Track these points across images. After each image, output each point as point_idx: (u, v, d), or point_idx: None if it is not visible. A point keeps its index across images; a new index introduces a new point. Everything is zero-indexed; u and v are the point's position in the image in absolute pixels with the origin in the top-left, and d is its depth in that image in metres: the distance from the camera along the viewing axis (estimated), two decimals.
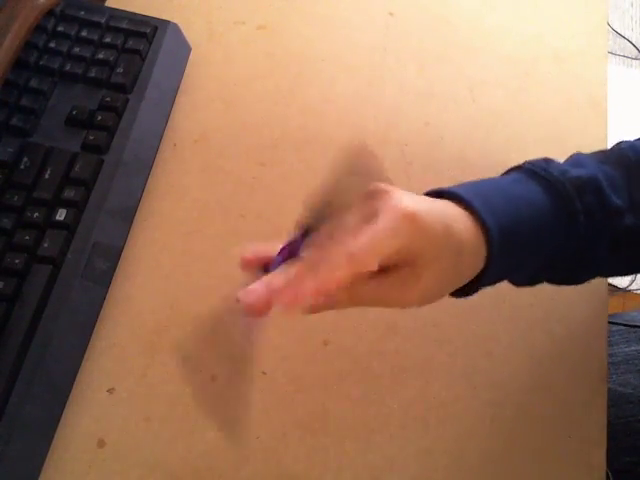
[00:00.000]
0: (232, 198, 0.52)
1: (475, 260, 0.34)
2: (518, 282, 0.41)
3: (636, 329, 0.67)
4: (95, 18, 0.53)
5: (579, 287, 0.50)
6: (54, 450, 0.43)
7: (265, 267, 0.33)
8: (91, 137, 0.49)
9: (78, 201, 0.47)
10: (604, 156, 0.40)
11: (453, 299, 0.49)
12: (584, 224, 0.37)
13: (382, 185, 0.33)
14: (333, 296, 0.33)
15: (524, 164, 0.39)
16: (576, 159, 0.40)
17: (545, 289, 0.50)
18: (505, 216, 0.35)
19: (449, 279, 0.34)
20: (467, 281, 0.35)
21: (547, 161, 0.39)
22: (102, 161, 0.49)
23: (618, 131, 0.60)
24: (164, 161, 0.53)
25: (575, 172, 0.37)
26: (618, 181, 0.38)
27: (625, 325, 0.69)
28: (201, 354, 0.34)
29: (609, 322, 0.49)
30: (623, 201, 0.38)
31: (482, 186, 0.37)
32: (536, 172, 0.38)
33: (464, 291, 0.37)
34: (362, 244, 0.30)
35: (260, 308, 0.30)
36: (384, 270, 0.33)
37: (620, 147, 0.42)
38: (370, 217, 0.32)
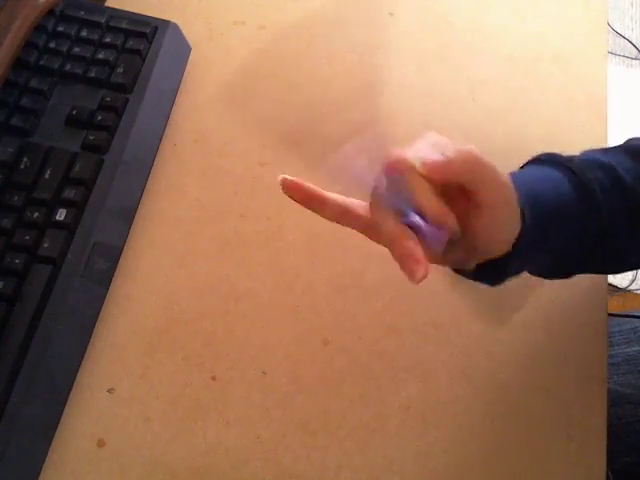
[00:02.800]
0: (232, 198, 0.52)
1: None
2: (547, 269, 0.43)
3: (636, 330, 0.67)
4: (95, 18, 0.53)
5: (579, 287, 0.50)
6: (54, 450, 0.43)
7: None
8: (91, 137, 0.49)
9: (78, 201, 0.47)
10: (613, 148, 0.43)
11: (452, 300, 0.49)
12: (600, 198, 0.39)
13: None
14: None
15: (534, 158, 0.43)
16: (585, 152, 0.43)
17: (545, 290, 0.50)
18: (531, 190, 0.38)
19: (506, 220, 0.36)
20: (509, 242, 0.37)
21: (554, 153, 0.42)
22: (102, 161, 0.49)
23: (618, 131, 0.60)
24: (164, 161, 0.53)
25: (582, 156, 0.41)
26: (628, 164, 0.40)
27: (626, 316, 0.69)
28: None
29: (610, 314, 0.50)
30: (635, 181, 0.40)
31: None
32: (547, 160, 0.41)
33: (496, 271, 0.38)
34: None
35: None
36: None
37: (630, 141, 0.44)
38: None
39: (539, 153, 0.43)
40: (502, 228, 0.36)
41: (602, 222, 0.39)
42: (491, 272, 0.39)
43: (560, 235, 0.39)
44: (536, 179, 0.40)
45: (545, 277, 0.44)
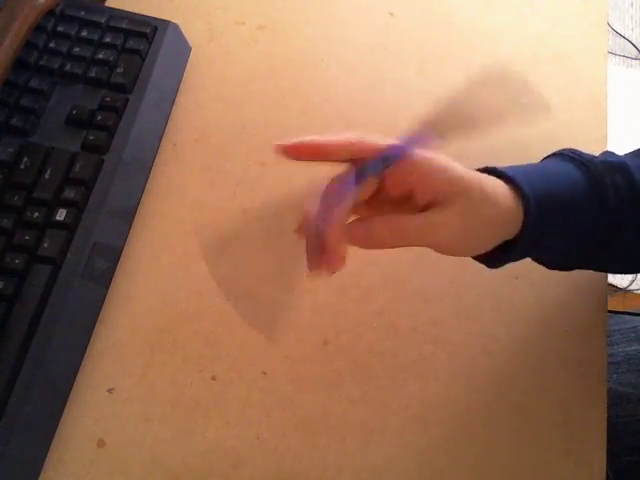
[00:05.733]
0: (232, 198, 0.52)
1: (509, 224, 0.37)
2: (549, 262, 0.43)
3: (636, 329, 0.67)
4: (95, 18, 0.53)
5: (579, 287, 0.50)
6: (54, 450, 0.43)
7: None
8: (91, 137, 0.49)
9: (78, 201, 0.47)
10: (634, 152, 0.43)
11: (452, 300, 0.49)
12: (614, 202, 0.38)
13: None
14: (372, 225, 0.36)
15: (557, 152, 0.42)
16: (605, 153, 0.43)
17: (545, 290, 0.50)
18: (541, 186, 0.38)
19: (476, 229, 0.36)
20: (496, 243, 0.37)
21: (578, 150, 0.42)
22: (102, 161, 0.49)
23: (618, 131, 0.60)
24: (164, 161, 0.53)
25: (603, 158, 0.40)
26: None
27: (626, 313, 0.69)
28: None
29: (609, 311, 0.50)
30: None
31: (522, 166, 0.40)
32: (569, 155, 0.41)
33: (492, 259, 0.39)
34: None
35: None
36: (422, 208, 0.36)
37: None
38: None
39: (561, 149, 0.42)
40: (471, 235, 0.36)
41: (611, 223, 0.39)
42: (492, 260, 0.39)
43: (567, 230, 0.39)
44: (547, 175, 0.39)
45: (547, 267, 0.44)
